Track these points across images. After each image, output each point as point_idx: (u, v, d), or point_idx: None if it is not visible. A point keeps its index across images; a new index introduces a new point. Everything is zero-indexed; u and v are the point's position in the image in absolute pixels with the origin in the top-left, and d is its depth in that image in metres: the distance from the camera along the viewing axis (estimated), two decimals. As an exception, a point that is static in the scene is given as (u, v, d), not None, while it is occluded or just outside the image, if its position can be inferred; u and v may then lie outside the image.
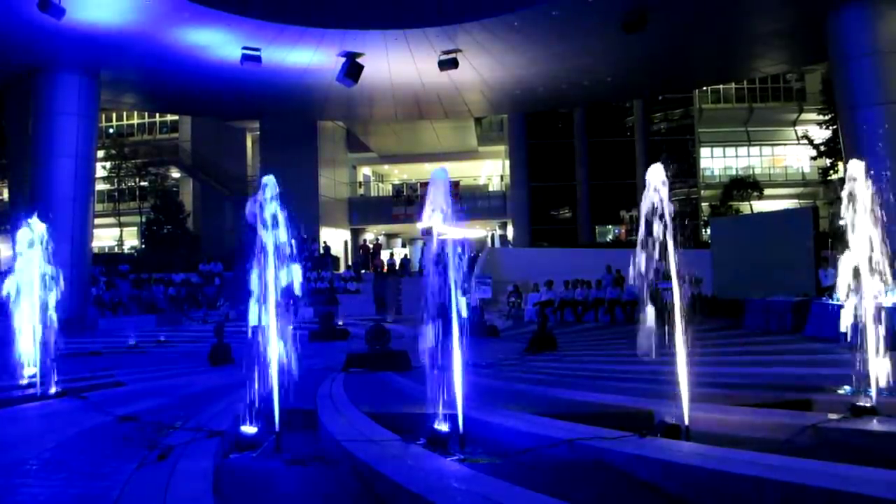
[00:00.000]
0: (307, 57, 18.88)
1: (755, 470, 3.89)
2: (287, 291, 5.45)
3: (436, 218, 5.18)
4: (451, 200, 5.35)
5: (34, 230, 7.95)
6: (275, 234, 5.39)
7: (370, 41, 17.96)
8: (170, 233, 30.63)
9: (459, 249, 5.15)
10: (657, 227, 4.96)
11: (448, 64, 18.46)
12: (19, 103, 20.60)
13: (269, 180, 5.54)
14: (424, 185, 33.90)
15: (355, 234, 34.44)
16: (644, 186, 5.14)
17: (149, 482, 4.24)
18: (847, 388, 6.27)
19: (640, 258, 4.95)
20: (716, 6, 16.85)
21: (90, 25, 16.50)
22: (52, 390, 7.56)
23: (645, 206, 5.03)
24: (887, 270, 5.70)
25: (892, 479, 3.59)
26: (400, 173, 40.18)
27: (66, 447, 5.27)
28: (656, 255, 4.96)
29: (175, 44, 17.79)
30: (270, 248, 5.38)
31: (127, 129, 36.95)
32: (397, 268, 26.94)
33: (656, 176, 5.07)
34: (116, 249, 35.12)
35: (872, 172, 5.73)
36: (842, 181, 5.86)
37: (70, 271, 19.62)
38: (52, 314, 7.97)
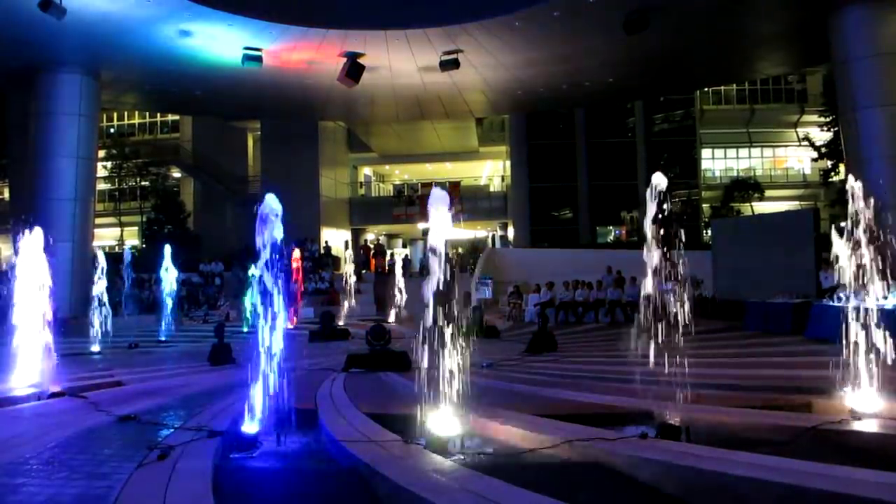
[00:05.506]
0: (308, 57, 18.90)
1: (755, 472, 3.89)
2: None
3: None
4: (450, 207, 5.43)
5: (34, 231, 7.96)
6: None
7: (371, 41, 17.97)
8: (170, 232, 30.63)
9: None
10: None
11: (449, 64, 18.48)
12: (20, 103, 20.63)
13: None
14: (426, 185, 34.06)
15: (356, 234, 34.44)
16: (645, 187, 5.23)
17: (149, 482, 4.24)
18: (847, 390, 6.27)
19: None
20: (717, 7, 16.84)
21: (91, 25, 16.52)
22: (52, 390, 7.56)
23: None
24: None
25: (891, 482, 3.60)
26: (401, 173, 40.19)
27: (66, 447, 5.27)
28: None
29: (176, 44, 17.81)
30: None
31: (128, 129, 36.95)
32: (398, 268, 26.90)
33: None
34: (117, 249, 35.15)
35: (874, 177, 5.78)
36: (843, 183, 5.92)
37: (71, 271, 19.69)
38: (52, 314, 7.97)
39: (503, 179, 35.48)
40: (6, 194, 29.71)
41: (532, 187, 31.82)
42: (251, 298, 19.78)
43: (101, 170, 30.47)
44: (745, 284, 14.82)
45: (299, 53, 18.67)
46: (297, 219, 28.86)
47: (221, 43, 17.71)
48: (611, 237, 32.90)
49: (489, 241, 33.78)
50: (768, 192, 32.67)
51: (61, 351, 13.21)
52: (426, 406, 5.20)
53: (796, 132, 34.60)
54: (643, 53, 19.22)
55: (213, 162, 33.08)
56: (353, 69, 18.69)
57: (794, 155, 36.27)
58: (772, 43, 19.82)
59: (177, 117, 35.00)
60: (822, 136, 29.91)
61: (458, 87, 21.81)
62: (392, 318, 19.27)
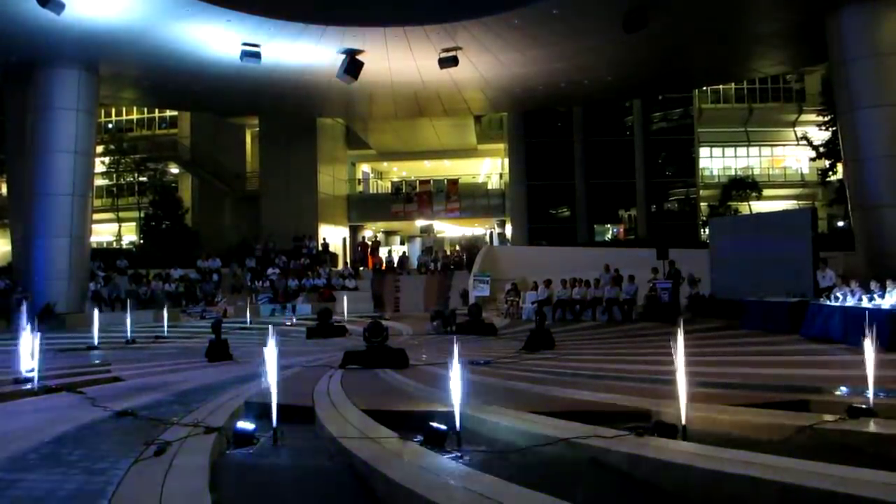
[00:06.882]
0: (307, 53, 18.86)
1: (751, 470, 3.90)
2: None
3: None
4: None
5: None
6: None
7: (370, 38, 17.94)
8: (168, 228, 30.58)
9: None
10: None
11: (448, 61, 18.46)
12: (18, 98, 20.56)
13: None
14: (424, 182, 33.99)
15: (354, 231, 34.42)
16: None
17: (146, 477, 4.24)
18: (843, 388, 6.29)
19: None
20: (716, 6, 16.85)
21: (90, 20, 16.47)
22: (50, 385, 7.56)
23: None
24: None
25: (887, 481, 3.61)
26: (399, 170, 40.15)
27: (64, 442, 5.27)
28: None
29: (175, 39, 17.76)
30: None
31: (126, 125, 36.88)
32: (395, 265, 26.91)
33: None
34: (115, 245, 35.07)
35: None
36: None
37: (68, 266, 19.65)
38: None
39: (501, 177, 35.45)
40: (3, 189, 29.60)
41: (530, 185, 31.82)
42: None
43: (99, 165, 30.39)
44: (742, 283, 14.84)
45: (298, 50, 18.63)
46: (295, 215, 28.87)
47: (220, 39, 17.67)
48: (608, 235, 32.91)
49: (487, 238, 33.76)
50: (766, 192, 32.68)
51: (59, 346, 13.22)
52: (424, 403, 5.20)
53: (794, 131, 34.62)
54: (642, 52, 19.21)
55: (212, 158, 33.03)
56: (352, 66, 18.67)
57: (792, 154, 36.29)
58: (770, 42, 19.82)
59: (175, 113, 34.92)
60: (820, 136, 29.92)
61: (456, 85, 21.79)
62: (389, 314, 19.27)
